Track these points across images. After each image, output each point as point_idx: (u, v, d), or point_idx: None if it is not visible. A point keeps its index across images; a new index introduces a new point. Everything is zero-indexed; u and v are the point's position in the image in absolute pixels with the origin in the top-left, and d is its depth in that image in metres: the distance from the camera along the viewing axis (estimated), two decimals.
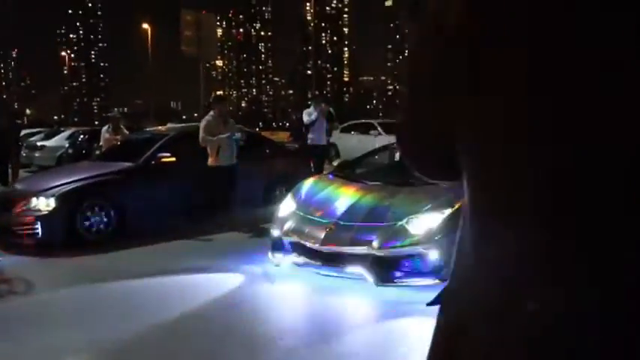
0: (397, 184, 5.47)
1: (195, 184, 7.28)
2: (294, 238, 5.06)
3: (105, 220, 6.62)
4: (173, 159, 7.26)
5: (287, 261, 5.16)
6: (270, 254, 5.29)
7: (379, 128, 16.77)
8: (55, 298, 4.73)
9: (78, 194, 6.54)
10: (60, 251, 6.13)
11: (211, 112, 7.48)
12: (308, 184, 5.88)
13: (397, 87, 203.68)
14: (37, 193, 6.46)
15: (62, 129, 21.02)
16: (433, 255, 4.51)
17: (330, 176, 6.24)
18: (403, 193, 5.21)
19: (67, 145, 16.98)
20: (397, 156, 6.77)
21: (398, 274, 4.59)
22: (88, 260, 5.93)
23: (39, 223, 6.25)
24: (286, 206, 5.52)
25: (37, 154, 17.11)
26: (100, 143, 10.44)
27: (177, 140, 7.79)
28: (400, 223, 4.69)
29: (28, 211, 6.36)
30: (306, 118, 10.67)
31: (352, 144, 14.95)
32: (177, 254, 6.10)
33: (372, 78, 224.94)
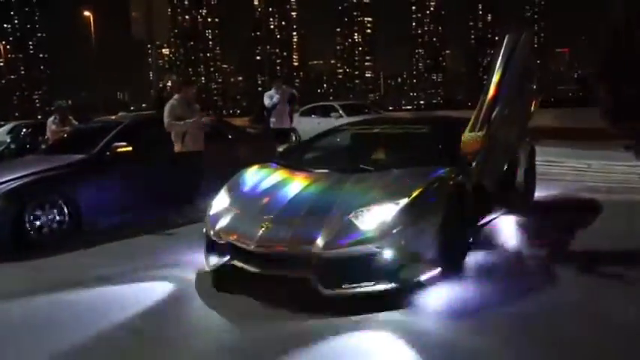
0: (346, 172, 4.92)
1: (156, 175, 6.75)
2: (228, 239, 4.35)
3: (57, 218, 6.00)
4: (129, 148, 6.65)
5: (222, 264, 4.41)
6: (205, 258, 4.58)
7: (340, 110, 16.40)
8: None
9: (25, 191, 5.88)
10: (7, 255, 5.54)
11: (175, 97, 7.02)
12: (245, 174, 5.21)
13: (347, 70, 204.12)
14: None
15: (2, 123, 19.87)
16: (387, 254, 3.89)
17: (273, 164, 5.45)
18: (352, 182, 4.62)
19: (8, 140, 15.96)
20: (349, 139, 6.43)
21: (347, 278, 3.88)
22: (38, 264, 5.37)
23: None
24: (219, 201, 4.81)
25: None
26: (47, 136, 9.74)
27: (133, 129, 7.16)
28: (347, 217, 4.06)
29: None
30: (267, 101, 10.22)
31: (313, 127, 14.48)
32: (136, 253, 5.60)
33: (321, 62, 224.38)
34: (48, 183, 6.13)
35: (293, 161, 5.54)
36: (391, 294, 3.87)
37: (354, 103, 20.20)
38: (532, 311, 3.78)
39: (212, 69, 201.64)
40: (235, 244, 4.29)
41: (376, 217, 4.01)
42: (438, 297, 4.00)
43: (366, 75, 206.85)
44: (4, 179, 5.98)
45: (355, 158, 5.55)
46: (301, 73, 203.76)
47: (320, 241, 3.92)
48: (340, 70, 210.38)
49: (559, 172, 9.92)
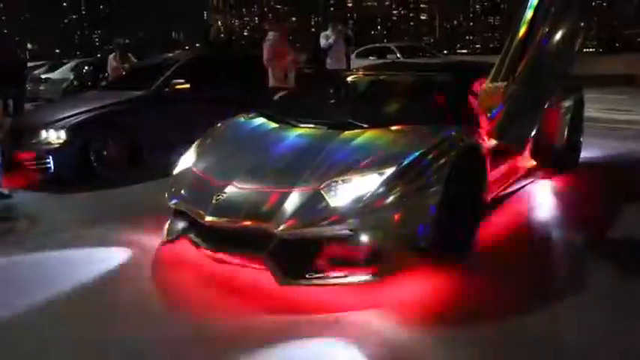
0: (334, 127, 4.05)
1: (213, 111, 6.86)
2: (182, 207, 3.65)
3: (119, 152, 6.24)
4: (187, 85, 6.77)
5: (177, 236, 3.70)
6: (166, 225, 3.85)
7: (397, 52, 16.11)
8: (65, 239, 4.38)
9: (89, 125, 6.13)
10: (73, 186, 5.81)
11: (272, 34, 7.20)
12: (220, 127, 4.55)
13: (402, 12, 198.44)
14: (47, 126, 6.07)
15: (65, 60, 20.39)
16: (363, 238, 3.08)
17: (251, 116, 4.70)
18: (337, 142, 3.77)
19: (72, 77, 16.47)
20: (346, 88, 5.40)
21: (311, 266, 3.09)
22: (103, 195, 5.63)
23: (50, 156, 5.89)
24: (185, 159, 4.09)
25: (41, 87, 16.63)
26: (107, 73, 9.99)
27: (190, 66, 7.27)
28: (318, 188, 3.25)
29: (37, 145, 5.99)
30: (323, 42, 10.08)
31: None
32: None
33: (375, 3, 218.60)
34: (110, 118, 6.35)
35: (281, 112, 4.70)
36: (369, 288, 3.13)
37: (410, 45, 19.79)
38: (534, 327, 2.83)
39: (265, 9, 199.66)
40: (189, 215, 3.58)
41: (354, 190, 3.20)
42: (428, 295, 3.18)
43: (421, 17, 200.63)
44: (69, 113, 6.26)
45: (349, 111, 4.57)
46: (355, 14, 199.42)
47: (279, 218, 3.14)
48: (395, 12, 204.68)
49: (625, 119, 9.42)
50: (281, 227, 3.10)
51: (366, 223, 3.10)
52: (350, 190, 3.21)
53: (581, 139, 6.18)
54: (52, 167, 5.90)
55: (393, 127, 3.96)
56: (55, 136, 5.95)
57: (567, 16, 4.26)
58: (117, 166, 6.24)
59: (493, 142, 4.09)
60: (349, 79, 5.55)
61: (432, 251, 3.30)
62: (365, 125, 4.01)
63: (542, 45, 4.11)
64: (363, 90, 5.29)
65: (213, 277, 3.44)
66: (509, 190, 4.67)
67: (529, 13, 4.12)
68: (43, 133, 5.99)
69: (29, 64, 20.55)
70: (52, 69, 18.23)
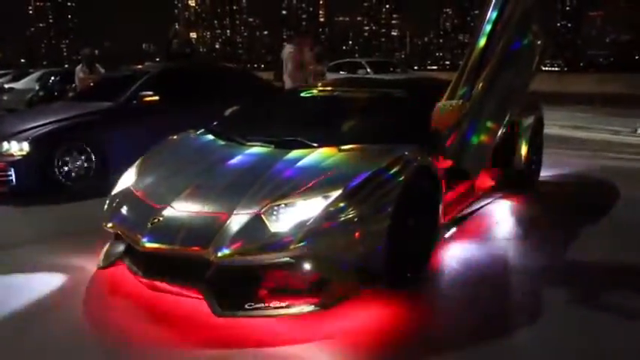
0: (283, 146, 3.81)
1: (182, 124, 6.76)
2: (118, 230, 3.42)
3: (85, 165, 6.08)
4: (156, 98, 6.66)
5: (113, 262, 3.48)
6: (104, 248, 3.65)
7: (367, 67, 16.21)
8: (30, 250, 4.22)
9: (54, 137, 5.96)
10: (36, 200, 5.63)
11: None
12: (164, 144, 4.34)
13: (373, 28, 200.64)
14: (9, 137, 5.87)
15: (31, 70, 19.98)
16: (305, 266, 2.90)
17: (200, 133, 4.48)
18: (283, 162, 3.56)
19: (37, 87, 16.09)
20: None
21: (250, 296, 2.90)
22: (66, 209, 5.45)
23: (12, 169, 5.71)
24: (125, 179, 3.85)
25: (4, 97, 16.22)
26: (74, 84, 9.80)
27: (160, 78, 7.16)
28: (259, 211, 3.04)
29: None
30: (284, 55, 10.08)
31: None
32: None
33: (347, 18, 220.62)
34: (76, 129, 6.19)
35: (230, 128, 4.45)
36: (312, 319, 2.91)
37: (381, 61, 19.94)
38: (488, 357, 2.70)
39: (238, 22, 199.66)
40: (124, 239, 3.39)
41: (296, 214, 3.00)
42: (377, 325, 2.95)
43: (392, 33, 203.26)
44: (33, 125, 6.08)
45: (300, 129, 4.26)
46: (327, 29, 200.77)
47: (217, 244, 2.91)
48: (367, 28, 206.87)
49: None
50: (218, 254, 2.88)
51: (309, 249, 2.89)
52: (292, 215, 3.00)
53: (541, 158, 6.08)
54: (14, 180, 5.71)
55: (344, 147, 3.72)
56: (17, 148, 5.77)
57: (526, 32, 4.15)
58: (83, 178, 6.08)
59: (449, 162, 3.97)
60: (302, 94, 5.29)
61: (382, 278, 3.14)
62: (315, 144, 3.78)
63: (500, 61, 3.99)
64: (315, 107, 5.00)
65: (151, 307, 3.17)
66: (467, 211, 4.53)
67: (488, 27, 4.00)
68: (5, 145, 5.80)
69: None
70: (16, 79, 17.84)
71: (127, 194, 3.63)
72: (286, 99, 5.56)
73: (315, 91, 5.25)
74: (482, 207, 4.83)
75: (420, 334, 2.91)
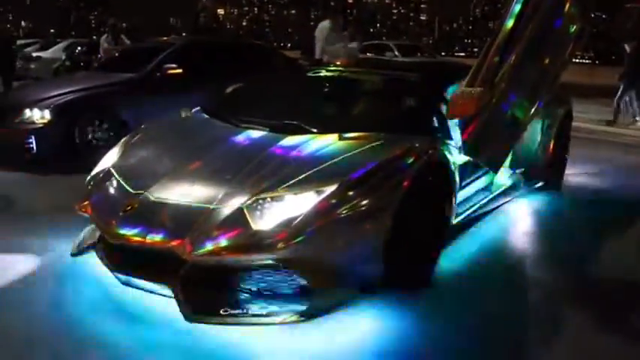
0: (279, 130, 3.44)
1: (205, 99, 6.72)
2: (91, 215, 3.11)
3: (106, 134, 6.04)
4: (179, 70, 6.59)
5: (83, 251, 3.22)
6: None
7: (395, 50, 15.99)
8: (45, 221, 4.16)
9: (76, 106, 5.93)
10: (56, 168, 5.60)
11: (326, 23, 7.51)
12: (155, 123, 4.05)
13: (402, 11, 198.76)
14: (31, 104, 5.86)
15: (59, 40, 20.09)
16: (290, 269, 2.58)
17: (194, 112, 4.13)
18: (277, 149, 3.20)
19: (63, 57, 16.23)
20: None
21: (226, 300, 2.58)
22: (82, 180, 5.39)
23: (33, 137, 5.69)
24: (105, 160, 3.50)
25: (32, 66, 16.35)
26: (100, 55, 9.80)
27: (184, 51, 7.08)
28: (239, 205, 2.69)
29: (21, 124, 5.78)
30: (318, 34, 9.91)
31: None
32: None
33: (376, 0, 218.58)
34: (98, 99, 6.17)
35: (227, 109, 4.13)
36: (295, 329, 2.58)
37: (409, 44, 19.69)
38: None
39: (265, 0, 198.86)
40: (96, 227, 3.09)
41: (284, 210, 2.64)
42: (370, 341, 2.61)
43: (421, 17, 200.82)
44: (56, 93, 6.05)
45: (302, 112, 3.93)
46: (354, 10, 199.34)
47: (193, 239, 2.58)
48: (395, 11, 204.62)
49: None
50: (192, 251, 2.54)
51: (295, 251, 2.53)
52: (279, 211, 2.64)
53: (567, 154, 5.59)
54: (35, 148, 5.69)
55: (347, 135, 3.35)
56: (39, 116, 5.76)
57: (561, 15, 3.76)
58: (103, 148, 6.03)
59: (464, 156, 3.57)
60: (309, 75, 4.90)
61: (379, 286, 2.80)
62: (314, 130, 3.40)
63: (529, 46, 3.59)
64: (320, 89, 4.60)
65: (118, 303, 2.87)
66: (482, 210, 4.09)
67: (517, 7, 3.57)
68: (27, 112, 5.79)
69: (22, 42, 20.33)
70: (44, 48, 17.98)
71: (105, 176, 3.28)
72: (291, 79, 5.13)
73: (323, 72, 4.81)
74: (500, 206, 4.40)
75: (417, 353, 2.54)
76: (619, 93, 9.81)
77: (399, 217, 2.80)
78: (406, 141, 3.18)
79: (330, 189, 2.69)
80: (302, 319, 2.54)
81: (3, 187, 5.06)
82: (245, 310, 2.54)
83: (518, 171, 4.69)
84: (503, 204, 4.45)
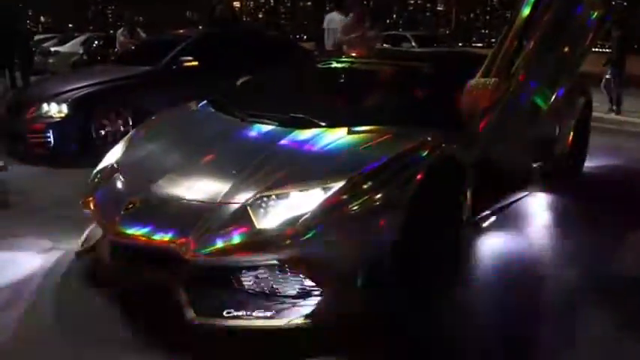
0: (286, 124, 3.30)
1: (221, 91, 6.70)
2: (93, 213, 3.05)
3: (123, 128, 6.03)
4: (196, 63, 6.56)
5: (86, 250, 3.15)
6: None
7: (412, 41, 15.84)
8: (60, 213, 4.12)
9: (93, 99, 5.94)
10: (73, 162, 5.58)
11: (335, 13, 7.82)
12: (162, 116, 3.99)
13: (419, 2, 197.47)
14: (49, 98, 5.89)
15: (76, 34, 20.22)
16: (295, 270, 2.47)
17: (201, 105, 4.02)
18: (283, 143, 3.09)
19: (81, 51, 16.35)
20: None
21: (230, 301, 2.48)
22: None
23: (50, 130, 5.71)
24: (109, 156, 3.43)
25: (50, 60, 16.51)
26: (116, 48, 9.82)
27: (201, 43, 7.07)
28: (246, 202, 2.59)
29: (38, 118, 5.80)
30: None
31: None
32: None
33: None
34: (114, 93, 6.17)
35: (236, 102, 3.94)
36: (300, 333, 2.45)
37: (426, 35, 19.50)
38: None
39: None
40: (99, 226, 2.99)
41: (289, 208, 2.53)
42: (380, 348, 2.53)
43: (438, 8, 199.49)
44: (73, 87, 6.07)
45: (311, 105, 3.81)
46: (371, 2, 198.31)
47: (196, 238, 2.49)
48: (411, 1, 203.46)
49: None
50: (194, 251, 2.45)
51: (300, 251, 2.42)
52: (284, 208, 2.53)
53: (587, 146, 5.43)
54: (52, 141, 5.71)
55: (357, 128, 3.22)
56: (56, 110, 5.78)
57: (581, 1, 3.62)
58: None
59: (480, 152, 3.38)
60: (319, 67, 4.76)
61: (389, 288, 2.65)
62: (323, 124, 3.26)
63: (548, 34, 3.43)
64: (331, 81, 4.45)
65: (123, 304, 2.82)
66: (499, 205, 3.91)
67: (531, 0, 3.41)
68: (45, 107, 5.81)
69: (40, 36, 20.49)
70: (62, 42, 18.10)
71: (108, 172, 3.21)
72: (301, 71, 4.92)
73: (333, 64, 4.66)
74: (517, 201, 4.22)
75: None
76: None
77: (410, 213, 2.66)
78: (417, 135, 3.04)
79: (337, 185, 2.57)
80: (308, 321, 2.42)
81: (21, 181, 5.07)
82: (249, 312, 2.45)
83: (536, 164, 4.48)
84: (521, 198, 4.30)
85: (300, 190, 2.59)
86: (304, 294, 2.49)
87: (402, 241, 2.61)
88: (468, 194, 3.22)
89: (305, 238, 2.43)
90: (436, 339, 2.65)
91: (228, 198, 2.64)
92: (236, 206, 2.59)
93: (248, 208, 2.56)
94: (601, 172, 5.66)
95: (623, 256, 3.71)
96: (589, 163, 5.57)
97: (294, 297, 2.49)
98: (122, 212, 2.74)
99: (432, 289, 2.94)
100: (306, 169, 2.79)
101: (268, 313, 2.44)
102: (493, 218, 3.80)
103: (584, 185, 5.23)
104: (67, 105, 5.75)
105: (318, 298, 2.47)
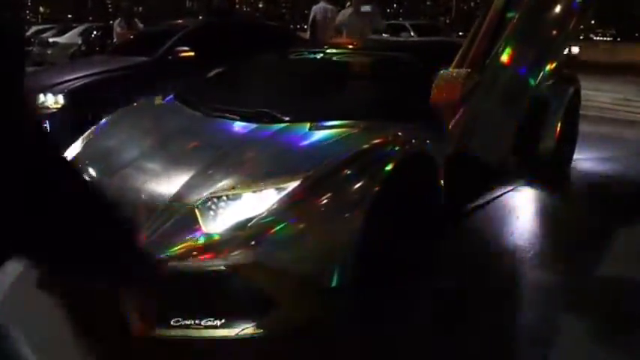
0: (249, 119, 3.13)
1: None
2: None
3: None
4: (192, 54, 6.55)
5: None
6: None
7: (411, 30, 15.78)
8: None
9: (89, 90, 5.95)
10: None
11: (322, 4, 7.96)
12: (123, 111, 3.85)
13: None
14: (45, 89, 5.87)
15: (75, 25, 20.17)
16: (245, 277, 2.28)
17: (167, 99, 3.90)
18: (243, 140, 2.94)
19: (79, 42, 16.33)
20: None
21: (177, 310, 2.31)
22: None
23: (47, 122, 5.70)
24: (70, 151, 3.33)
25: (48, 51, 16.52)
26: (114, 39, 9.78)
27: (198, 34, 7.06)
28: (192, 203, 2.43)
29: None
30: (340, 19, 9.79)
31: None
32: None
33: None
34: (111, 83, 6.15)
35: (198, 95, 3.80)
36: (252, 344, 2.31)
37: (426, 24, 19.44)
38: None
39: None
40: None
41: (239, 210, 2.36)
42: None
43: None
44: (69, 77, 6.08)
45: (276, 98, 3.62)
46: None
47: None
48: None
49: None
50: None
51: (250, 256, 2.25)
52: (234, 211, 2.36)
53: (576, 138, 5.22)
54: (49, 132, 5.71)
55: (322, 124, 3.02)
56: (52, 101, 5.78)
57: None
58: None
59: (453, 148, 3.19)
60: (290, 58, 4.52)
61: (350, 293, 2.46)
62: (287, 118, 3.10)
63: (526, 21, 3.28)
64: (300, 73, 4.22)
65: (70, 307, 2.64)
66: (478, 202, 3.69)
67: None
68: (41, 97, 5.80)
69: (38, 27, 20.42)
70: (60, 33, 18.07)
71: None
72: (272, 63, 4.67)
73: (305, 54, 4.48)
74: (499, 196, 3.98)
75: None
76: None
77: (373, 214, 2.48)
78: (385, 130, 2.88)
79: (291, 185, 2.40)
80: (260, 332, 2.27)
81: None
82: (198, 321, 2.29)
83: (520, 157, 4.22)
84: (504, 193, 4.10)
85: (253, 191, 2.43)
86: (256, 303, 2.32)
87: (367, 241, 2.46)
88: (442, 190, 3.06)
89: (256, 242, 2.27)
90: (408, 341, 2.51)
91: (178, 198, 2.48)
92: (185, 208, 2.42)
93: (196, 209, 2.39)
94: (592, 164, 5.52)
95: (606, 256, 3.49)
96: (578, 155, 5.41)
97: (246, 306, 2.32)
98: None
99: (400, 289, 2.77)
100: (262, 167, 2.62)
101: (218, 322, 2.28)
102: (472, 215, 3.62)
103: (573, 178, 5.07)
104: (64, 96, 5.76)
105: (272, 308, 2.32)
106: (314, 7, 8.70)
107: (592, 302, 2.88)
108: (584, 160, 5.48)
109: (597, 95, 5.89)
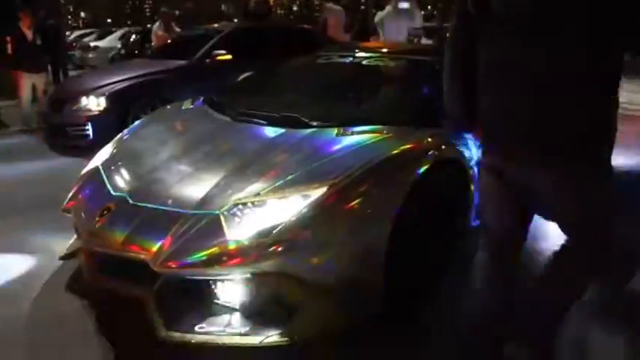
0: (275, 124, 3.09)
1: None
2: (73, 217, 2.88)
3: None
4: (229, 57, 6.68)
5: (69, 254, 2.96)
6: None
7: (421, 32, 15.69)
8: None
9: (130, 93, 6.13)
10: None
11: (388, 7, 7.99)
12: (153, 115, 3.86)
13: None
14: (88, 92, 6.08)
15: (114, 29, 20.64)
16: (269, 284, 2.26)
17: (196, 103, 3.89)
18: (270, 145, 2.87)
19: (119, 46, 16.70)
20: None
21: (202, 316, 2.30)
22: None
23: (89, 123, 5.90)
24: (99, 155, 3.30)
25: (89, 55, 16.96)
26: (152, 43, 10.00)
27: (234, 37, 7.19)
28: (217, 211, 2.39)
29: (78, 111, 6.00)
30: (377, 19, 9.79)
31: None
32: None
33: None
34: (150, 86, 6.32)
35: (227, 100, 3.76)
36: (275, 351, 2.25)
37: (435, 27, 19.21)
38: None
39: None
40: (78, 231, 2.81)
41: (264, 217, 2.31)
42: None
43: None
44: (110, 81, 6.26)
45: (303, 103, 3.57)
46: None
47: (164, 247, 2.31)
48: None
49: None
50: (166, 262, 2.26)
51: (275, 264, 2.21)
52: (259, 218, 2.31)
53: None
54: (91, 134, 5.90)
55: (350, 129, 2.92)
56: (95, 103, 5.97)
57: None
58: None
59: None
60: (320, 62, 4.34)
61: (375, 304, 2.42)
62: (314, 123, 3.01)
63: None
64: (328, 77, 4.12)
65: (98, 315, 2.66)
66: None
67: None
68: (84, 100, 6.00)
69: (79, 32, 20.96)
70: (100, 37, 18.55)
71: (93, 175, 3.05)
72: (301, 67, 4.51)
73: (333, 58, 4.32)
74: None
75: None
76: None
77: (400, 222, 2.42)
78: (414, 136, 2.79)
79: (318, 192, 2.34)
80: (285, 339, 2.23)
81: (60, 175, 5.22)
82: (222, 328, 2.26)
83: None
84: None
85: (279, 198, 2.38)
86: (280, 310, 2.28)
87: (394, 250, 2.40)
88: (471, 201, 2.97)
89: (281, 249, 2.22)
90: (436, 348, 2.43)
91: (204, 204, 2.46)
92: (210, 214, 2.39)
93: (221, 216, 2.36)
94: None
95: None
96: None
97: (270, 313, 2.28)
98: (97, 218, 2.59)
99: (426, 301, 2.71)
100: (288, 174, 2.53)
101: (242, 330, 2.25)
102: None
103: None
104: (106, 98, 5.94)
105: (297, 315, 2.27)
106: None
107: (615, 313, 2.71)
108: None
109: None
